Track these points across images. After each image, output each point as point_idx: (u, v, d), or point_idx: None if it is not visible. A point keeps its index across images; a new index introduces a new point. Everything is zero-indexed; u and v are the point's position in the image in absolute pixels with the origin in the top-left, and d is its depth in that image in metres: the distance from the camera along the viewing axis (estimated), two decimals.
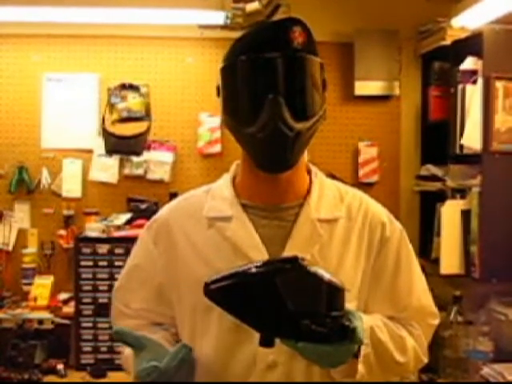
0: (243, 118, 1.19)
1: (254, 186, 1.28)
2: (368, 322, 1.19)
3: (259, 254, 1.22)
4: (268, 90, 1.14)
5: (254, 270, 1.07)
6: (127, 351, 1.27)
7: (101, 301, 2.90)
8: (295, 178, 1.27)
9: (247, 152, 1.24)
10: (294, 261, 1.06)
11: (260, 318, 1.06)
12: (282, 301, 1.04)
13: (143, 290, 1.33)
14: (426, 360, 1.35)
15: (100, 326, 2.89)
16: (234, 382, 1.22)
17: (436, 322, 1.38)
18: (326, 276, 1.06)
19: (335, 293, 1.07)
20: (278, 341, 1.08)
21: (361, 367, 1.17)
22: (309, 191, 1.29)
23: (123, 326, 1.34)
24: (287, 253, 1.22)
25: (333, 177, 1.59)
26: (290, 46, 1.16)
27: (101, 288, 2.91)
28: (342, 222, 1.28)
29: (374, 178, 3.35)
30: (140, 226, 2.98)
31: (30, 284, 3.06)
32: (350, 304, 1.18)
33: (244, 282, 1.07)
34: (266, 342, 1.08)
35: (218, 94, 1.26)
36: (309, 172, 1.34)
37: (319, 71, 1.21)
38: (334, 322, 1.05)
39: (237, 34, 1.24)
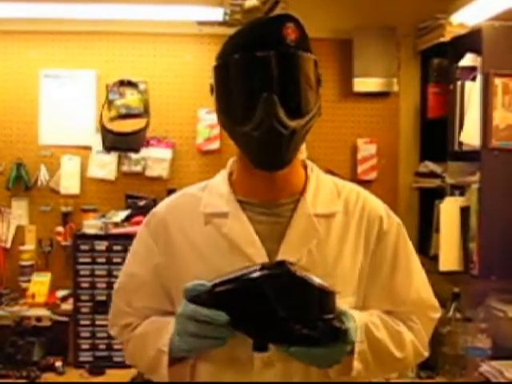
0: (237, 117, 1.18)
1: (249, 183, 1.28)
2: (362, 319, 1.19)
3: (256, 251, 1.21)
4: (262, 89, 1.13)
5: (243, 277, 1.07)
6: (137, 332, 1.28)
7: (99, 298, 2.90)
8: (291, 174, 1.27)
9: (242, 150, 1.24)
10: (282, 266, 1.06)
11: (252, 324, 1.06)
12: (272, 307, 1.04)
13: (146, 288, 1.31)
14: (426, 354, 1.34)
15: (98, 323, 2.88)
16: (233, 382, 1.22)
17: (437, 315, 1.37)
18: (316, 280, 1.06)
19: (326, 296, 1.07)
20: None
21: (357, 364, 1.17)
22: (305, 187, 1.29)
23: (124, 323, 1.33)
24: (284, 248, 1.22)
25: (331, 173, 1.58)
26: (282, 43, 1.15)
27: (99, 285, 2.91)
28: (339, 217, 1.28)
29: (373, 175, 3.35)
30: (138, 223, 2.98)
31: (27, 281, 3.05)
32: (347, 299, 1.18)
33: (233, 289, 1.07)
34: (260, 348, 1.08)
35: (212, 93, 1.25)
36: (305, 167, 1.33)
37: (313, 68, 1.20)
38: (326, 324, 1.06)
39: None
